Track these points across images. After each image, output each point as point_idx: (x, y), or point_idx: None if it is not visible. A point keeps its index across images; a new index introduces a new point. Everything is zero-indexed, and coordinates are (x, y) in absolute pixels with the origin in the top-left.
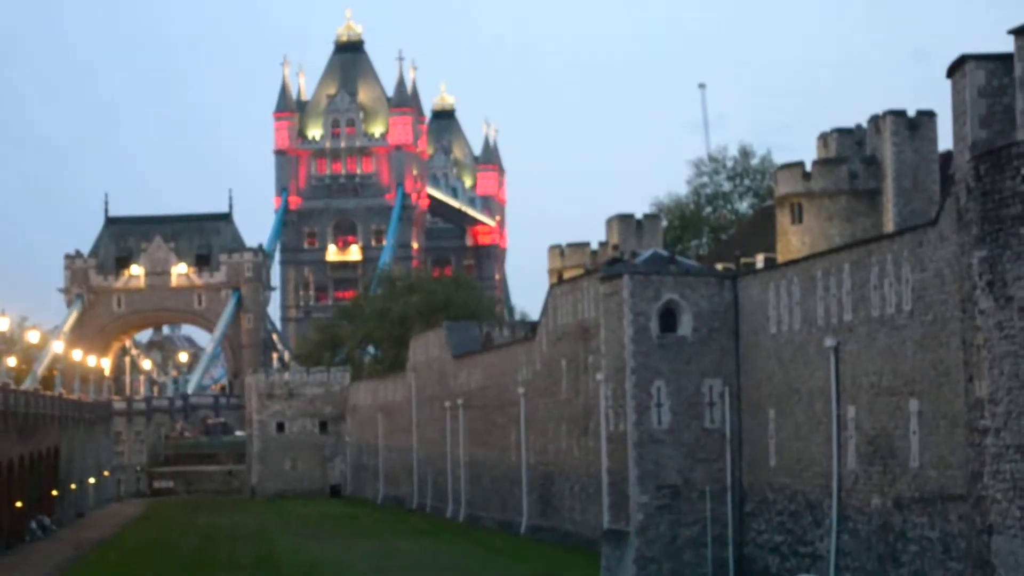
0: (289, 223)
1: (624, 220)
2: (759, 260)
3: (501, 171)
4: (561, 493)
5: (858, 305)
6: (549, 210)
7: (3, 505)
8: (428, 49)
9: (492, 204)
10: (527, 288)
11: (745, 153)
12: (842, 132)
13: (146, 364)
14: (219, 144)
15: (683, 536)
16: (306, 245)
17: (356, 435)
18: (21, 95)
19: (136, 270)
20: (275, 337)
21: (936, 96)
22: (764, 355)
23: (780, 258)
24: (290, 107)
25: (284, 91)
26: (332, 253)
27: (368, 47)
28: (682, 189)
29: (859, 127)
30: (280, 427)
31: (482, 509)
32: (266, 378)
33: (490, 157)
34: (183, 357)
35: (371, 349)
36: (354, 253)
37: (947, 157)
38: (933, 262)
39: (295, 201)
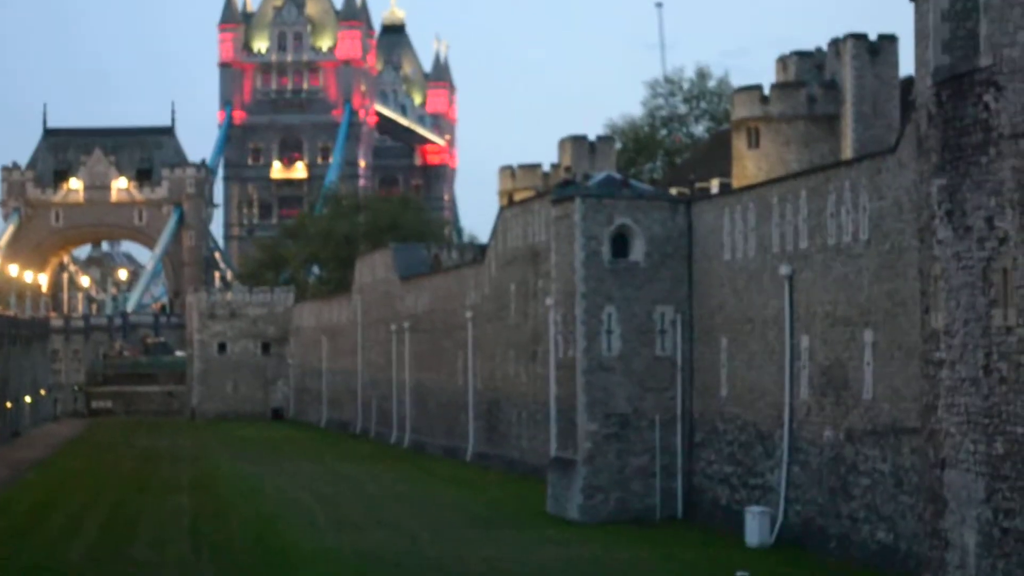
0: (233, 138)
1: (577, 142)
2: (714, 185)
3: (452, 89)
4: (508, 420)
5: (814, 233)
6: (501, 130)
7: None
8: None
9: (442, 123)
10: (477, 210)
11: (702, 75)
12: (801, 55)
13: (84, 281)
14: (162, 55)
15: (632, 466)
16: (250, 161)
17: (299, 357)
18: None
19: (75, 184)
20: (217, 255)
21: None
22: (717, 283)
23: (736, 183)
24: (235, 18)
25: (229, 2)
26: (277, 170)
27: None
28: (637, 111)
29: (819, 50)
30: (222, 348)
31: (428, 435)
32: (208, 297)
33: (441, 74)
34: (123, 274)
35: (316, 269)
36: (299, 170)
37: (908, 82)
38: (891, 190)
39: (239, 116)
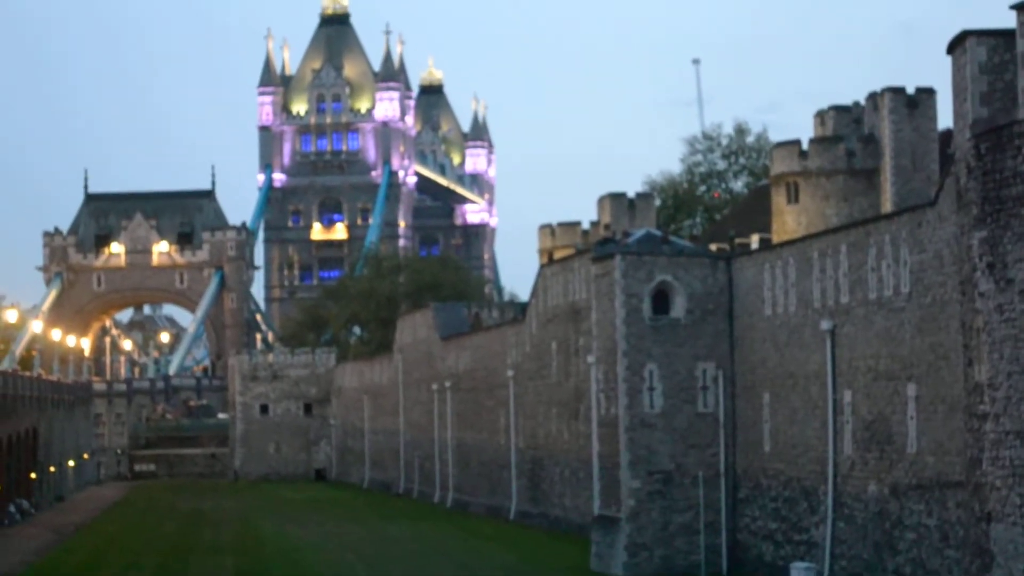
0: (273, 200)
1: (616, 199)
2: (754, 241)
3: (490, 148)
4: (551, 478)
5: (855, 287)
6: (540, 188)
7: None
8: (415, 22)
9: (481, 182)
10: (517, 268)
11: (740, 131)
12: (839, 109)
13: (127, 344)
14: (202, 119)
15: (675, 523)
16: (290, 223)
17: (341, 418)
18: (11, 65)
19: (116, 248)
20: (259, 317)
21: (927, 71)
22: (759, 338)
23: (776, 239)
24: (274, 81)
25: (268, 65)
26: (317, 231)
27: (354, 20)
28: (676, 167)
29: (857, 104)
30: (264, 409)
31: (470, 494)
32: (249, 359)
33: (479, 133)
34: (165, 337)
35: (357, 330)
36: (339, 232)
37: (947, 135)
38: (932, 243)
39: (279, 178)
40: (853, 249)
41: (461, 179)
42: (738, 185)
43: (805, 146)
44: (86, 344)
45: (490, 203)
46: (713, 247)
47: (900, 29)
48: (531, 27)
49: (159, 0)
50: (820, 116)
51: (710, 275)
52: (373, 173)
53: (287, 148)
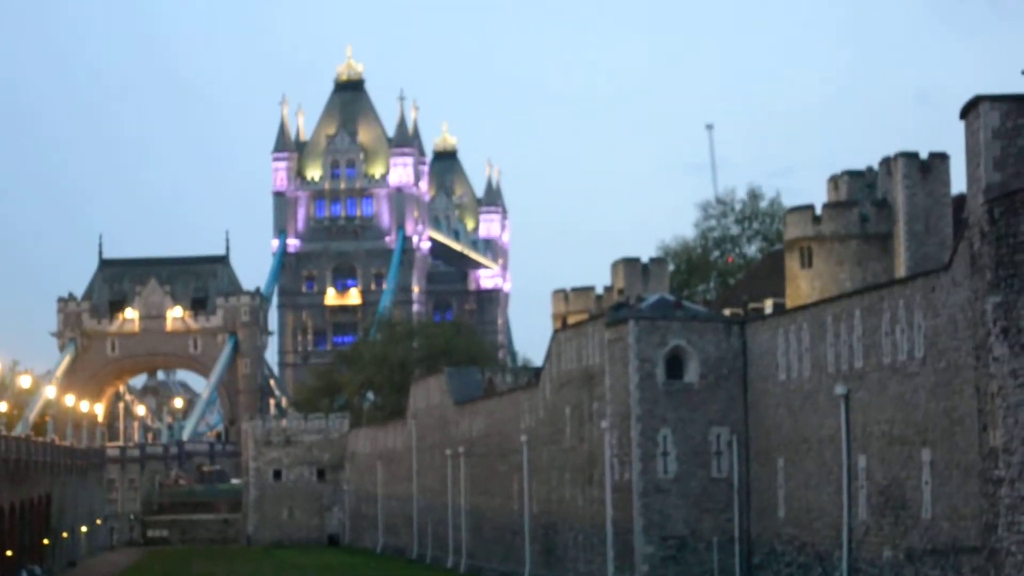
0: (287, 266)
1: (630, 264)
2: (768, 305)
3: (504, 213)
4: (565, 543)
5: (869, 352)
6: (553, 253)
7: None
8: (430, 88)
9: (495, 247)
10: (530, 333)
11: (754, 195)
12: (852, 174)
13: (140, 410)
14: (216, 185)
15: None
16: (304, 289)
17: (355, 483)
18: (7, 135)
19: (131, 313)
20: (272, 383)
21: (940, 138)
22: (773, 403)
23: (789, 303)
24: (289, 147)
25: (283, 130)
26: (331, 297)
27: (368, 86)
28: (689, 232)
29: (870, 169)
30: (277, 475)
31: (484, 559)
32: (263, 425)
33: (493, 199)
34: (178, 403)
35: (370, 395)
36: (353, 297)
37: (960, 200)
38: (946, 308)
39: (293, 243)
40: (867, 314)
41: (475, 244)
42: (751, 250)
43: (819, 211)
44: (100, 409)
45: (504, 268)
46: (727, 312)
47: (914, 95)
48: (545, 93)
49: (172, 64)
50: (834, 181)
51: (724, 340)
52: (387, 238)
53: (301, 213)
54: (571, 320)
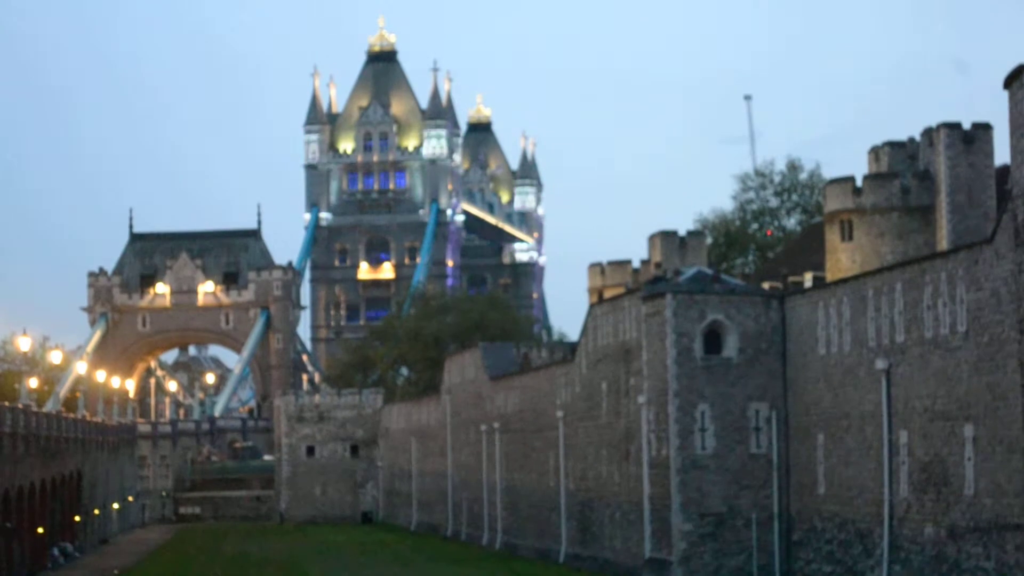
0: (320, 240)
1: (667, 237)
2: (807, 279)
3: (539, 186)
4: (601, 520)
5: (911, 326)
6: (589, 226)
7: (24, 531)
8: (463, 59)
9: (530, 220)
10: (566, 307)
11: (793, 167)
12: (894, 146)
13: (172, 386)
14: (248, 158)
15: (728, 566)
16: (337, 263)
17: (389, 460)
18: (37, 109)
19: (161, 288)
20: (305, 358)
21: (983, 109)
22: (812, 378)
23: (829, 277)
24: (321, 119)
25: (315, 103)
26: (364, 271)
27: (401, 57)
28: (727, 205)
29: (912, 140)
30: (310, 451)
31: (519, 537)
32: (295, 400)
33: (528, 171)
34: (210, 378)
35: (404, 370)
36: (387, 271)
37: (1003, 171)
38: (989, 281)
39: (326, 217)
40: (908, 287)
41: (510, 217)
42: (791, 222)
43: (859, 183)
44: (131, 385)
45: (539, 241)
46: (766, 285)
47: (955, 68)
48: (580, 64)
49: (204, 37)
50: (875, 152)
51: (763, 314)
52: (420, 212)
53: (334, 187)
54: (607, 294)
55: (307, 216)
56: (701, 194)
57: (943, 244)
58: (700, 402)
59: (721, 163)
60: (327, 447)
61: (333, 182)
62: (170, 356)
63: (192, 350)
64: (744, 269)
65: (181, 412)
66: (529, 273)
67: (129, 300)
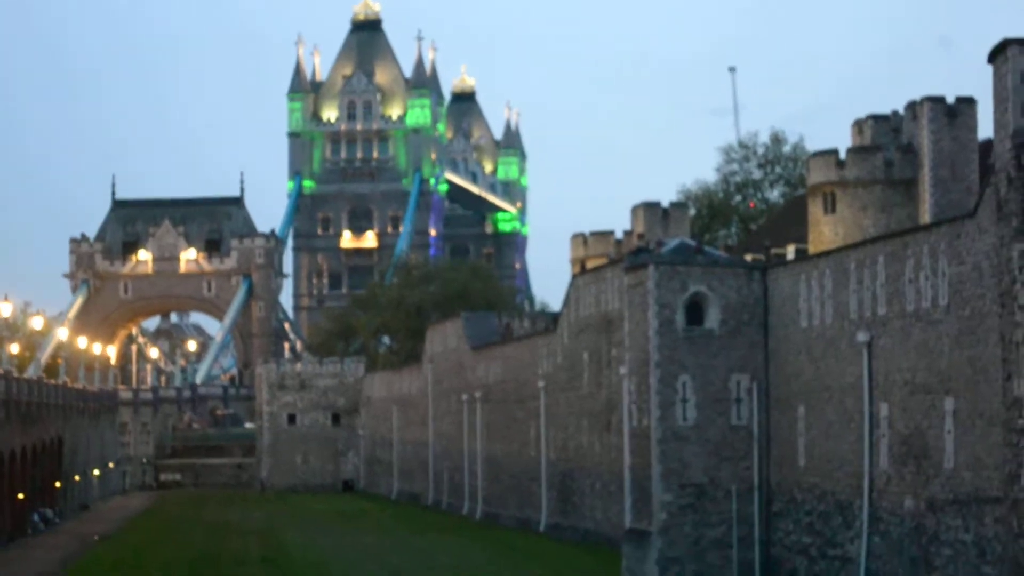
0: (302, 208)
1: (650, 208)
2: (790, 251)
3: (523, 156)
4: (582, 491)
5: (892, 299)
6: (572, 197)
7: (5, 497)
8: (448, 29)
9: (513, 190)
10: (548, 277)
11: (777, 140)
12: (877, 119)
13: (153, 352)
14: (231, 125)
15: (708, 537)
16: (320, 231)
17: (370, 428)
18: (24, 77)
19: (144, 255)
20: (287, 326)
21: (967, 83)
22: (794, 350)
23: (812, 249)
24: (304, 88)
25: (298, 71)
26: (347, 240)
27: (386, 26)
28: (711, 176)
29: (895, 114)
30: (291, 419)
31: (500, 506)
32: (277, 368)
33: (511, 141)
34: (192, 346)
35: (386, 339)
36: (369, 240)
37: (987, 145)
38: (971, 255)
39: (309, 185)
40: (890, 260)
41: (493, 187)
42: (774, 195)
43: (843, 156)
44: (112, 352)
45: (522, 212)
46: (748, 257)
47: (939, 43)
48: (565, 35)
49: (188, 6)
50: (858, 125)
51: (745, 286)
52: (404, 181)
53: (317, 155)
54: (590, 265)
55: (290, 184)
56: (685, 165)
57: (926, 218)
58: (681, 373)
59: (705, 135)
60: (308, 415)
61: (316, 151)
62: (152, 323)
63: (174, 317)
64: (727, 241)
65: (162, 379)
66: (512, 243)
67: (111, 267)
